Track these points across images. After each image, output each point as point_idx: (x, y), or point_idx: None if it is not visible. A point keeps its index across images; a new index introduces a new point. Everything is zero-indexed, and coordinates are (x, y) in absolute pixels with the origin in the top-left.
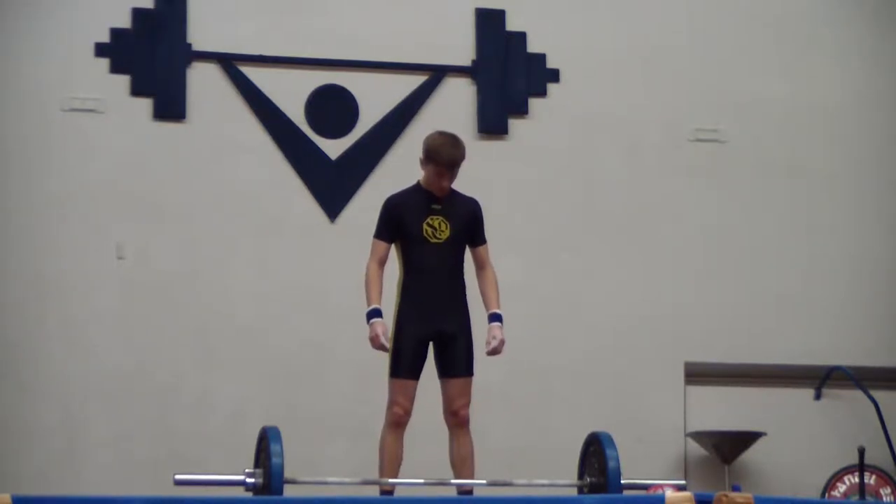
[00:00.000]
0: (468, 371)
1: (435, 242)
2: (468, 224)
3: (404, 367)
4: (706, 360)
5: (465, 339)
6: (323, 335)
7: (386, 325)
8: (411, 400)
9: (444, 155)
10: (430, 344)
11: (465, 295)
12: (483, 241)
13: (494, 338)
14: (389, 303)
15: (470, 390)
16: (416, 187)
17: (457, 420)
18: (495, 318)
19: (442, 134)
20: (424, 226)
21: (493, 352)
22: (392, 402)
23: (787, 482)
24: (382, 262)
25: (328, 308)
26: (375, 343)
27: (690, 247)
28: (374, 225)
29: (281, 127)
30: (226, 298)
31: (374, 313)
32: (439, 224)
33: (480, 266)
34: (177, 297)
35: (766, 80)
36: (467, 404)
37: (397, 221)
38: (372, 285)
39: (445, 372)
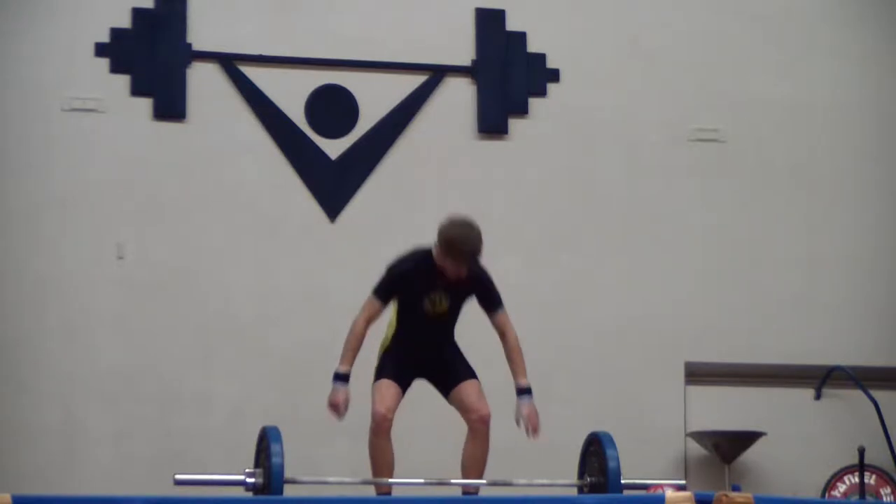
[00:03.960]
0: (472, 374)
1: (432, 315)
2: (470, 298)
3: (388, 372)
4: (706, 360)
5: (453, 352)
6: (323, 335)
7: (349, 395)
8: (394, 399)
9: (465, 248)
10: (416, 380)
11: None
12: (497, 307)
13: (522, 416)
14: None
15: (482, 391)
16: (428, 260)
17: (480, 416)
18: (522, 392)
19: (458, 224)
20: (426, 300)
21: (533, 430)
22: (374, 404)
23: (787, 482)
24: (371, 321)
25: (328, 308)
26: (333, 408)
27: (690, 247)
28: (374, 225)
29: (281, 127)
30: (226, 298)
31: (342, 378)
32: (439, 298)
33: (501, 334)
34: (177, 296)
35: (766, 80)
36: (486, 403)
37: (399, 291)
38: (351, 346)
39: (450, 385)
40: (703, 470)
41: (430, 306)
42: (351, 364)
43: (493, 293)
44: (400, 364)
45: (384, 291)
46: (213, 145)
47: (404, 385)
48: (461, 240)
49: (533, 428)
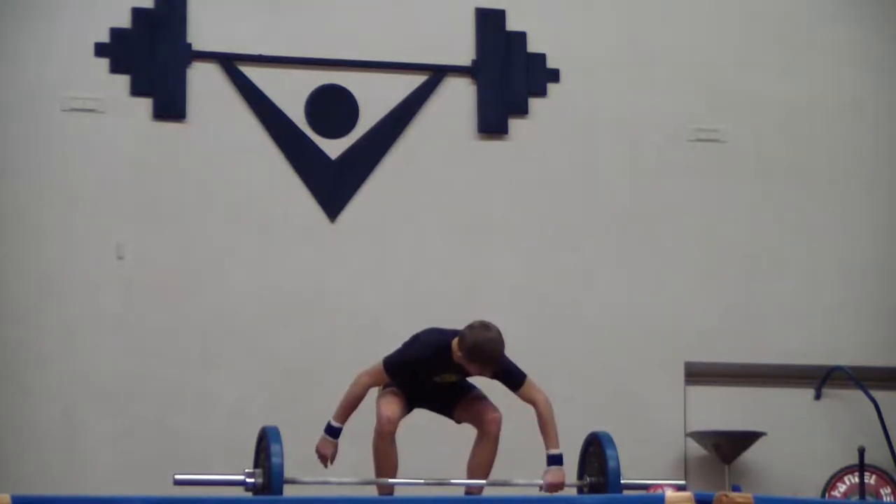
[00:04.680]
0: (472, 386)
1: (439, 383)
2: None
3: (394, 386)
4: (706, 360)
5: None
6: (323, 335)
7: (337, 448)
8: (398, 406)
9: (491, 353)
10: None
11: None
12: (520, 382)
13: (544, 481)
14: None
15: (488, 398)
16: (446, 352)
17: (492, 418)
18: (550, 460)
19: (479, 328)
20: (436, 378)
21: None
22: (379, 408)
23: (787, 482)
24: (375, 385)
25: (328, 308)
26: (321, 458)
27: (690, 247)
28: (374, 225)
29: (281, 127)
30: (226, 298)
31: (334, 432)
32: (450, 375)
33: (531, 403)
34: (177, 297)
35: (766, 80)
36: (496, 408)
37: (413, 370)
38: (349, 404)
39: (454, 405)
40: (703, 470)
41: (439, 380)
42: (344, 421)
43: (513, 374)
44: (404, 391)
45: (395, 370)
46: (213, 145)
47: (409, 403)
48: (488, 345)
49: (551, 492)
